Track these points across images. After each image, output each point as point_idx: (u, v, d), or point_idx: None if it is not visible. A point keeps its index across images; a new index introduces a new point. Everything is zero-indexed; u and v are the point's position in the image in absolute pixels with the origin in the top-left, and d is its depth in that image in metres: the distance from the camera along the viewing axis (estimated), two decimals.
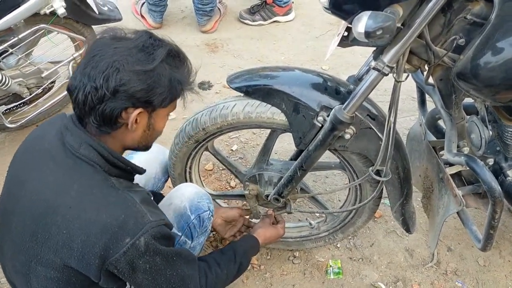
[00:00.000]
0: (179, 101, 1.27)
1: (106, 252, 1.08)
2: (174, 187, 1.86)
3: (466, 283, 1.88)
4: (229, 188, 2.34)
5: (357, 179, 1.60)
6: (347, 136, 1.39)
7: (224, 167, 2.12)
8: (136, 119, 1.14)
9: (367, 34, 1.01)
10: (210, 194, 1.93)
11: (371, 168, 1.40)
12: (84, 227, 1.09)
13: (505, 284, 1.87)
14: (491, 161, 1.53)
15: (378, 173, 1.41)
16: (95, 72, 1.08)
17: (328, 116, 1.37)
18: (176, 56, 1.19)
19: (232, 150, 2.58)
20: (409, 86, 1.67)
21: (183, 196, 1.56)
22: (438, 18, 1.18)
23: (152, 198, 1.35)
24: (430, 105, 1.69)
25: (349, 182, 1.70)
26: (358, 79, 1.47)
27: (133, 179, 1.32)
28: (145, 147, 1.31)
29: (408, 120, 2.65)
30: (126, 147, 1.26)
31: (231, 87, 1.53)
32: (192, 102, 2.77)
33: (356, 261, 1.98)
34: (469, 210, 1.63)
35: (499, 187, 1.23)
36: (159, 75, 1.12)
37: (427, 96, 1.69)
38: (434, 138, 1.69)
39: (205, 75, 3.16)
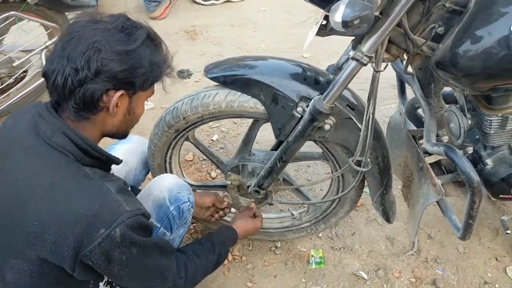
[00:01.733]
0: (159, 87, 1.27)
1: (80, 243, 1.04)
2: (153, 177, 1.84)
3: (446, 270, 1.89)
4: (210, 179, 2.31)
5: (339, 169, 1.59)
6: (327, 127, 1.37)
7: (205, 158, 2.10)
8: (117, 103, 1.12)
9: (344, 23, 0.98)
10: (191, 185, 1.90)
11: (351, 158, 1.38)
12: (57, 218, 1.05)
13: (484, 271, 1.89)
14: (470, 150, 1.53)
15: (358, 163, 1.40)
16: (74, 54, 1.05)
17: (307, 106, 1.35)
18: (153, 40, 1.18)
19: (212, 140, 2.55)
20: (389, 73, 1.65)
21: (162, 187, 1.52)
22: (416, 6, 1.17)
23: (129, 188, 1.33)
24: (410, 94, 1.69)
25: (332, 172, 1.69)
26: (337, 69, 1.46)
27: (110, 169, 1.29)
28: (124, 133, 1.28)
29: (389, 108, 2.65)
30: (105, 133, 1.23)
31: (208, 77, 1.49)
32: (170, 90, 2.72)
33: (337, 250, 1.98)
34: (448, 198, 1.62)
35: (478, 177, 1.23)
36: (140, 56, 1.11)
37: (407, 84, 1.68)
38: (414, 127, 1.68)
39: (184, 63, 3.11)
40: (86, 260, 1.07)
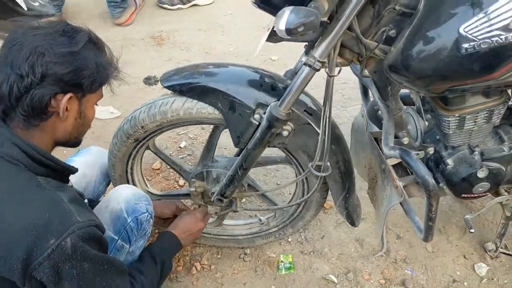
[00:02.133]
0: (106, 89, 1.25)
1: (29, 255, 0.99)
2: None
3: (415, 270, 1.90)
4: (178, 187, 2.28)
5: (302, 172, 1.58)
6: (285, 133, 1.36)
7: (167, 165, 2.06)
8: (67, 107, 1.11)
9: (288, 31, 0.96)
10: (155, 194, 1.88)
11: (310, 163, 1.37)
12: (6, 229, 1.01)
13: (453, 269, 1.90)
14: (431, 150, 1.53)
15: (318, 168, 1.39)
16: (18, 60, 1.04)
17: (264, 113, 1.33)
18: (96, 43, 1.17)
19: (180, 147, 2.51)
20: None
21: (119, 198, 1.48)
22: (367, 9, 1.15)
23: (85, 200, 1.28)
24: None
25: (296, 176, 1.68)
26: (295, 73, 1.44)
27: (67, 180, 1.25)
28: (76, 140, 1.26)
29: (356, 109, 2.65)
30: (57, 141, 1.20)
31: (164, 86, 1.46)
32: (136, 98, 2.69)
33: (307, 255, 1.97)
34: (413, 199, 1.62)
35: (433, 180, 1.22)
36: (85, 58, 1.10)
37: None
38: (376, 129, 1.68)
39: (150, 70, 3.07)
40: (36, 275, 1.02)
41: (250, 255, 1.97)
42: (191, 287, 1.86)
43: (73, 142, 1.25)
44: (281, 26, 0.96)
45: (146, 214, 1.50)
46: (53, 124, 1.13)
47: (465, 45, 1.07)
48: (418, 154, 1.54)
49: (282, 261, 1.93)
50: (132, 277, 1.34)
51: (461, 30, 1.07)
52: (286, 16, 0.96)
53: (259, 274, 1.90)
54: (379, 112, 1.65)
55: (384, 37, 1.18)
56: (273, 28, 1.24)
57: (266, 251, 1.98)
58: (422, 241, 1.44)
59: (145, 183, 1.87)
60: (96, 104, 1.26)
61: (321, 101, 1.31)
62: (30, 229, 1.00)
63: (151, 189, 1.89)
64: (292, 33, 0.96)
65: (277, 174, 2.31)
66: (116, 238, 1.45)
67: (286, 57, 3.12)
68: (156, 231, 1.98)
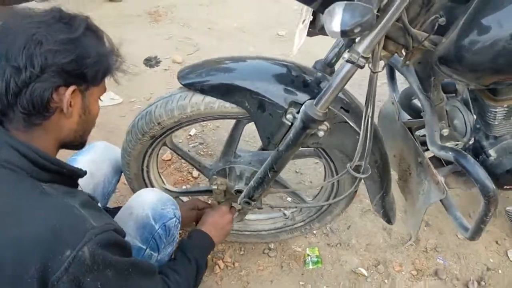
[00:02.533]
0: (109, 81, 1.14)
1: (45, 271, 0.87)
2: (130, 187, 1.69)
3: (447, 259, 1.83)
4: (192, 179, 2.18)
5: (333, 166, 1.48)
6: (321, 134, 1.25)
7: (186, 161, 1.95)
8: (71, 102, 1.00)
9: (344, 33, 0.83)
10: (172, 191, 1.77)
11: (348, 164, 1.26)
12: (12, 244, 0.88)
13: (486, 256, 1.83)
14: (471, 140, 1.43)
15: (357, 169, 1.28)
16: (13, 51, 0.92)
17: (297, 112, 1.21)
18: (95, 31, 1.06)
19: (190, 135, 2.39)
20: None
21: (144, 204, 1.36)
22: None
23: (98, 203, 1.17)
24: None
25: (325, 169, 1.58)
26: (326, 64, 1.32)
27: (76, 184, 1.14)
28: (81, 140, 1.14)
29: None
30: (62, 141, 1.08)
31: (183, 85, 1.33)
32: (137, 81, 2.52)
33: (334, 247, 1.89)
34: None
35: (493, 185, 1.12)
36: (86, 45, 0.99)
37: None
38: (408, 117, 1.57)
39: (150, 50, 2.90)
40: None
41: (274, 250, 1.89)
42: (216, 287, 1.78)
43: (78, 142, 1.14)
44: (335, 27, 0.83)
45: (174, 219, 1.39)
46: (57, 123, 1.02)
47: None
48: (457, 144, 1.44)
49: (308, 255, 1.86)
50: (166, 276, 1.25)
51: None
52: (340, 15, 0.83)
53: (286, 270, 1.83)
54: (414, 101, 1.53)
55: (435, 27, 1.05)
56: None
57: (291, 245, 1.90)
58: (467, 239, 1.35)
59: (162, 180, 1.76)
60: (100, 99, 1.15)
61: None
62: (40, 241, 0.88)
63: (168, 186, 1.79)
64: (347, 35, 0.83)
65: (297, 162, 2.21)
66: (144, 247, 1.34)
67: (295, 31, 2.96)
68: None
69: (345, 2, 0.84)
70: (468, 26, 1.02)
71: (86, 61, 0.98)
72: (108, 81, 1.13)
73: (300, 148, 1.75)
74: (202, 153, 2.30)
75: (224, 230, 1.57)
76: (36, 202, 0.94)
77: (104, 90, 1.13)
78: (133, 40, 3.00)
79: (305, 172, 2.20)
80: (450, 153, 1.15)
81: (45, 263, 0.87)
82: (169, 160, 2.25)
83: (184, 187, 2.14)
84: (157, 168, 1.71)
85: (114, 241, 0.99)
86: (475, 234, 1.28)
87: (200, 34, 3.05)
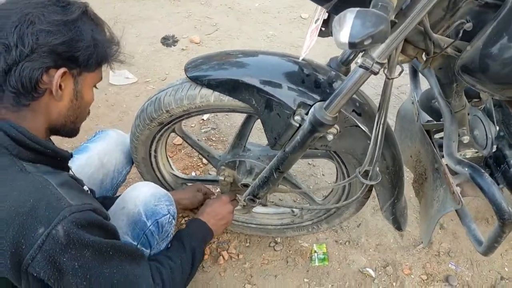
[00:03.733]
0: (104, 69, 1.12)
1: (18, 248, 0.86)
2: (138, 171, 1.66)
3: (459, 265, 1.76)
4: (202, 165, 2.14)
5: (345, 169, 1.42)
6: (330, 137, 1.18)
7: (195, 150, 1.91)
8: (61, 85, 0.98)
9: (352, 45, 0.75)
10: (180, 178, 1.74)
11: (358, 169, 1.20)
12: None
13: (501, 264, 1.76)
14: (493, 148, 1.34)
15: (366, 174, 1.22)
16: (4, 29, 0.92)
17: (306, 114, 1.15)
18: (93, 18, 1.05)
19: (203, 119, 2.34)
20: None
21: (137, 199, 1.31)
22: (440, 0, 0.93)
23: (84, 186, 1.14)
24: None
25: (336, 171, 1.52)
26: (342, 63, 1.24)
27: (67, 168, 1.11)
28: (74, 127, 1.11)
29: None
30: (52, 125, 1.05)
31: (189, 78, 1.28)
32: (153, 60, 2.46)
33: (342, 245, 1.84)
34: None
35: (510, 208, 1.04)
36: (80, 29, 0.98)
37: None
38: (428, 118, 1.48)
39: (168, 28, 2.84)
40: (32, 271, 0.88)
41: (281, 244, 1.85)
42: (218, 278, 1.76)
43: (70, 128, 1.10)
44: (343, 38, 0.75)
45: (168, 216, 1.34)
46: (46, 104, 1.00)
47: None
48: (477, 152, 1.36)
49: (315, 251, 1.81)
50: (159, 262, 1.21)
51: None
52: (350, 25, 0.74)
53: (291, 265, 1.79)
54: (435, 103, 1.44)
55: (460, 33, 0.96)
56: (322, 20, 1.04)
57: (298, 240, 1.86)
58: (480, 253, 1.28)
59: (170, 165, 1.73)
60: (96, 87, 1.12)
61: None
62: (12, 218, 0.86)
63: (176, 171, 1.75)
64: (356, 47, 0.76)
65: (325, 172, 2.13)
66: (135, 243, 1.31)
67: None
68: (185, 218, 1.86)
69: (358, 9, 0.76)
70: (496, 33, 0.92)
71: (78, 44, 0.97)
72: (105, 69, 1.10)
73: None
74: (214, 138, 2.26)
75: (224, 220, 1.52)
76: (11, 179, 0.91)
77: (100, 78, 1.10)
78: (151, 17, 2.94)
79: (318, 164, 2.13)
80: (467, 169, 1.07)
81: (17, 240, 0.85)
82: (180, 144, 2.22)
83: (193, 173, 2.11)
84: (166, 153, 1.68)
85: (92, 221, 0.95)
86: (488, 250, 1.21)
87: (220, 13, 2.95)
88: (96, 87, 1.12)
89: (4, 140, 0.93)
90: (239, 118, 2.29)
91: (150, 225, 1.31)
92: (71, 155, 1.11)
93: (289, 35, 2.72)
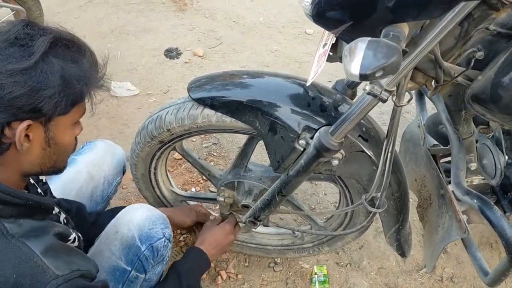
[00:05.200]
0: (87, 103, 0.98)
1: None
2: (137, 187, 1.64)
3: None
4: (202, 181, 2.11)
5: (349, 194, 1.39)
6: (335, 162, 1.15)
7: (195, 169, 1.88)
8: (28, 135, 0.87)
9: (364, 77, 0.72)
10: (180, 195, 1.71)
11: (363, 196, 1.17)
12: None
13: None
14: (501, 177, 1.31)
15: (372, 202, 1.19)
16: None
17: (311, 138, 1.12)
18: (67, 46, 0.90)
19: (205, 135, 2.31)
20: None
21: (130, 223, 1.27)
22: (452, 29, 0.91)
23: (74, 236, 1.07)
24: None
25: (340, 195, 1.49)
26: (347, 86, 1.22)
27: (50, 211, 1.03)
28: (55, 169, 1.00)
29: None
30: (26, 174, 0.96)
31: (192, 98, 1.25)
32: (156, 73, 2.43)
33: (343, 267, 1.81)
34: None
35: None
36: (44, 73, 0.84)
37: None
38: (434, 142, 1.46)
39: (172, 40, 2.82)
40: None
41: (281, 265, 1.81)
42: None
43: (51, 171, 0.99)
44: (354, 69, 0.72)
45: (163, 239, 1.30)
46: (14, 157, 0.90)
47: None
48: (484, 179, 1.33)
49: (316, 273, 1.77)
50: None
51: None
52: (361, 56, 0.72)
53: (291, 287, 1.75)
54: (442, 128, 1.42)
55: (472, 62, 0.94)
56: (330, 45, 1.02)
57: (298, 261, 1.82)
58: (486, 284, 1.25)
59: (170, 182, 1.71)
60: (79, 122, 0.99)
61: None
62: None
63: (176, 189, 1.73)
64: (367, 79, 0.73)
65: (328, 191, 2.09)
66: (129, 269, 1.27)
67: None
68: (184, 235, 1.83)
69: (370, 39, 0.73)
70: (509, 64, 0.90)
71: (41, 93, 0.84)
72: (87, 100, 0.95)
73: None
74: (215, 153, 2.23)
75: (224, 249, 1.52)
76: None
77: (81, 114, 0.96)
78: (155, 29, 2.93)
79: (320, 183, 2.10)
80: (475, 201, 1.05)
81: None
82: (180, 159, 2.19)
83: (193, 189, 2.08)
84: (166, 171, 1.66)
85: None
86: (494, 283, 1.18)
87: (224, 27, 2.94)
88: (79, 122, 0.99)
89: None
90: (242, 135, 2.27)
91: (144, 250, 1.27)
92: (54, 204, 1.03)
93: (293, 50, 2.70)
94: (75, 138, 1.00)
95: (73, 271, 0.91)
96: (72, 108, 0.91)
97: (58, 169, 1.00)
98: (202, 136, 2.30)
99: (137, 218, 1.28)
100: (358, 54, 0.73)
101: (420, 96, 1.52)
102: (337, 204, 1.96)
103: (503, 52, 0.91)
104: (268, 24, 2.96)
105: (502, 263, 1.09)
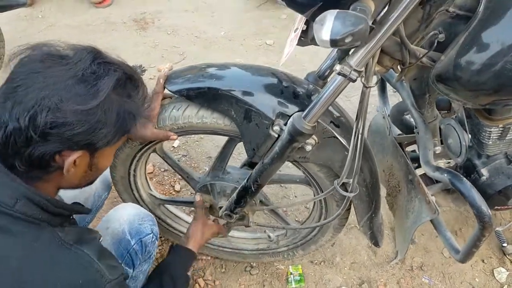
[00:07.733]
0: None
1: None
2: (115, 189, 1.62)
3: (432, 278, 1.78)
4: (174, 193, 2.09)
5: (320, 192, 1.41)
6: (308, 148, 1.19)
7: (167, 169, 1.88)
8: (75, 161, 0.91)
9: (334, 42, 0.77)
10: (158, 199, 1.70)
11: (336, 181, 1.20)
12: None
13: (472, 275, 1.79)
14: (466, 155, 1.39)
15: (344, 187, 1.23)
16: (18, 109, 0.82)
17: (285, 124, 1.15)
18: (127, 83, 0.94)
19: (173, 147, 2.32)
20: None
21: (121, 219, 1.33)
22: (415, 12, 0.98)
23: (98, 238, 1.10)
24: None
25: (314, 196, 1.52)
26: (319, 77, 1.27)
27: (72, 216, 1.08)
28: (87, 185, 1.06)
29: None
30: (63, 188, 1.02)
31: (169, 90, 1.27)
32: None
33: (317, 265, 1.83)
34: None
35: (489, 211, 1.08)
36: (104, 112, 0.88)
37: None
38: (398, 132, 1.53)
39: (135, 58, 2.83)
40: None
41: (256, 268, 1.82)
42: None
43: (83, 186, 1.06)
44: (325, 36, 0.77)
45: (151, 235, 1.35)
46: (58, 177, 0.94)
47: None
48: (449, 162, 1.40)
49: (291, 273, 1.79)
50: None
51: None
52: (331, 24, 0.77)
53: None
54: (406, 116, 1.49)
55: (435, 44, 1.01)
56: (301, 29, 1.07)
57: (273, 263, 1.83)
58: (458, 261, 1.30)
59: (149, 186, 1.69)
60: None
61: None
62: None
63: (154, 192, 1.71)
64: (337, 45, 0.78)
65: (298, 193, 2.12)
66: (119, 262, 1.27)
67: (283, 41, 2.92)
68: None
69: (338, 10, 0.79)
70: (468, 44, 0.97)
71: (98, 132, 0.88)
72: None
73: (290, 174, 1.70)
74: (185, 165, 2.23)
75: (205, 239, 1.48)
76: (58, 256, 0.90)
77: (125, 140, 1.07)
78: (118, 47, 2.92)
79: (290, 186, 2.13)
80: (446, 175, 1.11)
81: None
82: (151, 172, 2.17)
83: None
84: (145, 174, 1.65)
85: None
86: (466, 257, 1.24)
87: (187, 42, 2.97)
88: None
89: (40, 214, 0.89)
90: (210, 145, 2.29)
91: (134, 244, 1.31)
92: (90, 210, 1.10)
93: (255, 61, 2.76)
94: None
95: (121, 274, 0.98)
96: (119, 139, 0.96)
97: (89, 184, 1.06)
98: (171, 148, 2.30)
99: (127, 214, 1.34)
100: (328, 22, 0.78)
101: (383, 89, 1.59)
102: (308, 206, 2.01)
103: (463, 32, 0.98)
104: (229, 37, 3.02)
105: (473, 234, 1.15)
